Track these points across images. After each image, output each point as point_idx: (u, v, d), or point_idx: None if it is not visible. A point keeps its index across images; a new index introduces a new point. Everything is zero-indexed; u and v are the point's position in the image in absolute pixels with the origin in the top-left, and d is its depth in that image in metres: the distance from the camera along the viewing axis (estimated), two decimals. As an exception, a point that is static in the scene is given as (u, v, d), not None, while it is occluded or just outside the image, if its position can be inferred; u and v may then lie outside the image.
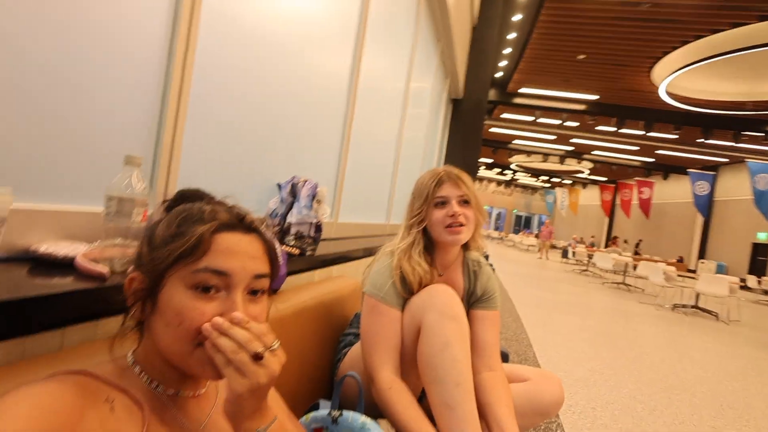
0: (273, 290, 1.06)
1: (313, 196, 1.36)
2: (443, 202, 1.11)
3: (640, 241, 18.00)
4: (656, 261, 11.32)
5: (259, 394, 0.44)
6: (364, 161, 2.38)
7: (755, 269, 14.28)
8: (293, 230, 1.32)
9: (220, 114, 1.09)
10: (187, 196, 0.54)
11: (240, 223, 0.51)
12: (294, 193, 1.37)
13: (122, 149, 0.72)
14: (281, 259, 1.08)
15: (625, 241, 17.85)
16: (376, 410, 0.94)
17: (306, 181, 1.38)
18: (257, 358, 0.43)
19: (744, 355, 4.30)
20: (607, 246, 17.61)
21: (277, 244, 1.09)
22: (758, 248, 14.58)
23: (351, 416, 0.75)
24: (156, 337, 0.48)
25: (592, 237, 22.39)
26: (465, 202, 1.12)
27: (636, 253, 16.19)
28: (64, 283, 0.58)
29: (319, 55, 1.64)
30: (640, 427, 2.22)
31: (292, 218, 1.33)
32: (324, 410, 0.77)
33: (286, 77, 1.42)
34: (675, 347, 4.20)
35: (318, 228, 1.37)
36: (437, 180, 1.12)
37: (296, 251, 1.30)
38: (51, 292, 0.54)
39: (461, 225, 1.10)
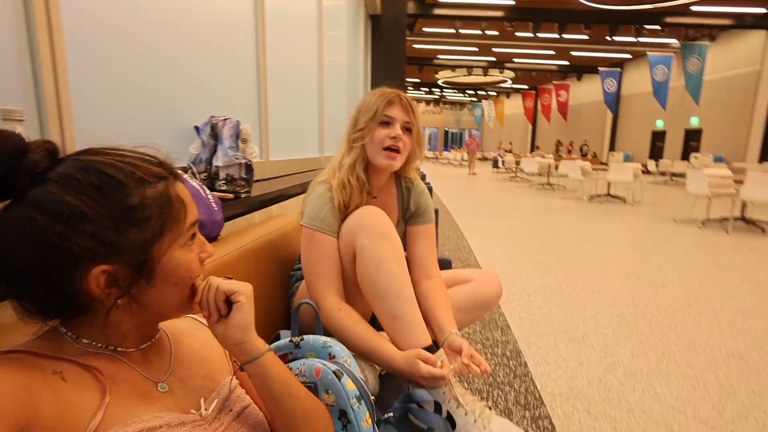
0: (212, 237, 1.04)
1: (237, 135, 1.28)
2: (388, 123, 1.10)
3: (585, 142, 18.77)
4: (574, 158, 12.34)
5: (252, 303, 0.53)
6: (286, 93, 2.24)
7: (654, 154, 16.17)
8: (222, 174, 1.26)
9: (110, 56, 0.95)
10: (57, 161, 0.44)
11: (171, 171, 0.49)
12: (215, 134, 1.27)
13: (-6, 104, 0.61)
14: (215, 206, 1.04)
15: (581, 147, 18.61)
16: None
17: (226, 120, 1.29)
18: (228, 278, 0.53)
19: (644, 229, 5.02)
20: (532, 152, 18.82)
21: (207, 191, 1.04)
22: (656, 135, 16.37)
23: (312, 338, 0.79)
24: (155, 304, 0.47)
25: (510, 144, 23.65)
26: (408, 130, 1.12)
27: (584, 154, 17.29)
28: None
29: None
30: (565, 302, 2.59)
31: (218, 162, 1.25)
32: (285, 339, 0.81)
33: (183, 7, 1.24)
34: (590, 232, 4.79)
35: (248, 168, 1.31)
36: (389, 99, 1.10)
37: (229, 195, 1.25)
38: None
39: (398, 151, 1.10)
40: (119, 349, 0.48)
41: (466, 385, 0.97)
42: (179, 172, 0.50)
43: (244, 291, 0.52)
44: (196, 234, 0.51)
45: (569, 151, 18.43)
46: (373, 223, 0.99)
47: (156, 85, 1.15)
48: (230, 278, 0.54)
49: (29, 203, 0.40)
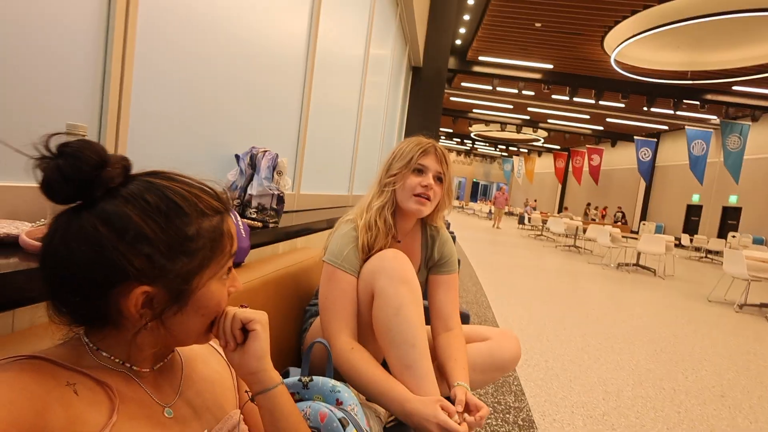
0: (236, 264, 1.05)
1: (274, 167, 1.33)
2: (421, 171, 1.13)
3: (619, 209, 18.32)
4: (604, 224, 12.09)
5: (267, 332, 0.53)
6: (324, 131, 2.33)
7: (688, 228, 15.63)
8: (254, 203, 1.30)
9: (171, 79, 1.02)
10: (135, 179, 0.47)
11: (226, 206, 0.51)
12: (253, 164, 1.33)
13: (64, 118, 0.66)
14: (243, 233, 1.06)
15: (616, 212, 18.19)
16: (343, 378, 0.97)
17: (266, 152, 1.34)
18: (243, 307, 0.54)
19: (676, 305, 4.76)
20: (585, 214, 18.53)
21: (238, 218, 1.07)
22: (691, 209, 15.91)
23: (321, 380, 0.77)
24: (178, 330, 0.48)
25: (534, 201, 23.46)
26: (440, 179, 1.15)
27: (616, 221, 16.91)
28: (9, 263, 0.55)
29: (275, 18, 1.56)
30: (586, 374, 2.44)
31: (252, 190, 1.30)
32: (294, 377, 0.79)
33: (241, 41, 1.35)
34: (617, 302, 4.58)
35: (280, 200, 1.34)
36: (424, 149, 1.14)
37: (258, 224, 1.28)
38: (-3, 273, 0.50)
39: (428, 198, 1.12)
40: (134, 367, 0.48)
41: (474, 451, 0.91)
42: (232, 207, 0.52)
43: (259, 320, 0.52)
44: (231, 268, 0.52)
45: (603, 216, 18.00)
46: (395, 267, 0.99)
47: (208, 111, 1.22)
48: (245, 306, 0.54)
49: (98, 214, 0.42)
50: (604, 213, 18.27)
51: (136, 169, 0.47)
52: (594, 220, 15.67)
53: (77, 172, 0.41)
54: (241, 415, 0.57)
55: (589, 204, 19.60)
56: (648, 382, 2.43)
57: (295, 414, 0.53)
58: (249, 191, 1.30)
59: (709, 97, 11.11)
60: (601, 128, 18.09)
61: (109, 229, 0.41)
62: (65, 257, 0.41)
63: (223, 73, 1.28)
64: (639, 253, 7.39)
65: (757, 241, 11.82)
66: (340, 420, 0.68)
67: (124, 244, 0.41)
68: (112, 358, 0.46)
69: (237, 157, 1.36)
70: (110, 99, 0.82)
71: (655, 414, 2.05)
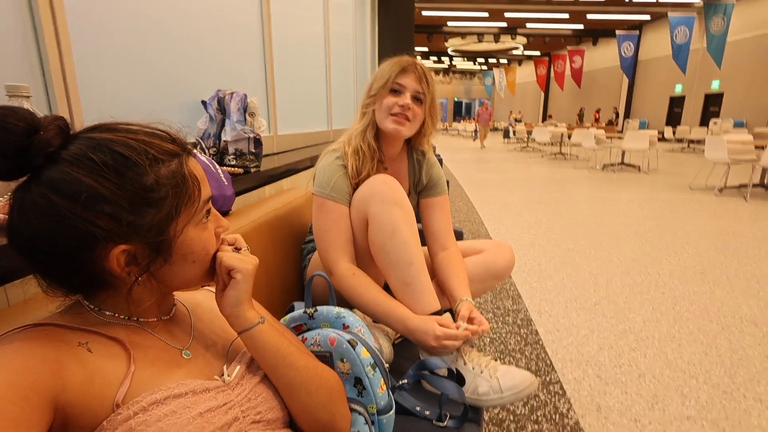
0: (223, 212, 1.04)
1: (245, 109, 1.27)
2: (398, 91, 1.09)
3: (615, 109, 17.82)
4: (598, 127, 12.02)
5: (251, 280, 0.53)
6: (292, 66, 2.20)
7: (671, 121, 15.66)
8: (231, 149, 1.26)
9: (114, 30, 0.93)
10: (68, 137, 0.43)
11: (183, 147, 0.48)
12: (222, 108, 1.26)
13: (2, 81, 0.61)
14: (225, 181, 1.04)
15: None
16: (347, 304, 1.02)
17: (233, 94, 1.27)
18: (237, 250, 0.54)
19: (659, 197, 4.93)
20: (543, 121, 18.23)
21: (217, 166, 1.04)
22: (674, 101, 15.80)
23: (326, 309, 0.81)
24: (174, 279, 0.49)
25: (519, 113, 23.08)
26: (418, 99, 1.10)
27: (609, 122, 16.40)
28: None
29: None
30: (577, 272, 2.59)
31: (226, 136, 1.25)
32: (299, 310, 0.82)
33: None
34: (604, 202, 4.72)
35: (257, 143, 1.30)
36: (402, 68, 1.08)
37: (239, 170, 1.25)
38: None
39: (406, 119, 1.09)
40: (141, 319, 0.49)
41: (477, 350, 0.99)
42: (191, 148, 0.50)
43: (242, 269, 0.52)
44: (210, 210, 0.51)
45: (596, 120, 17.58)
46: (386, 191, 0.99)
47: (162, 59, 1.14)
48: (239, 249, 0.55)
49: (45, 184, 0.40)
50: (596, 116, 17.83)
51: None
52: (591, 125, 15.48)
53: (4, 143, 0.38)
54: None
55: (582, 109, 19.18)
56: (635, 270, 2.60)
57: (281, 347, 0.55)
58: (223, 137, 1.25)
59: (692, -24, 10.49)
60: (582, 27, 17.24)
61: (61, 197, 0.40)
62: (31, 234, 0.40)
63: (173, 17, 1.17)
64: (623, 152, 7.47)
65: (738, 125, 11.93)
66: (349, 341, 0.72)
67: (81, 208, 0.40)
68: (116, 315, 0.47)
69: (204, 103, 1.29)
70: (49, 54, 0.75)
71: (642, 297, 2.21)
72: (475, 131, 14.95)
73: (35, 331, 0.41)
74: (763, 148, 4.75)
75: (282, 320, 0.84)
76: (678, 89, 15.44)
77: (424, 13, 14.45)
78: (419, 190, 1.24)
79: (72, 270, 0.43)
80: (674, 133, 12.53)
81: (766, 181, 5.15)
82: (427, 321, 0.92)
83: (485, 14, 14.91)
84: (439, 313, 0.95)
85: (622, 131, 12.82)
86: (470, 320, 0.96)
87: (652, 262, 2.76)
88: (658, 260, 2.79)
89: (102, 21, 0.90)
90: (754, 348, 1.73)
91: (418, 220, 1.20)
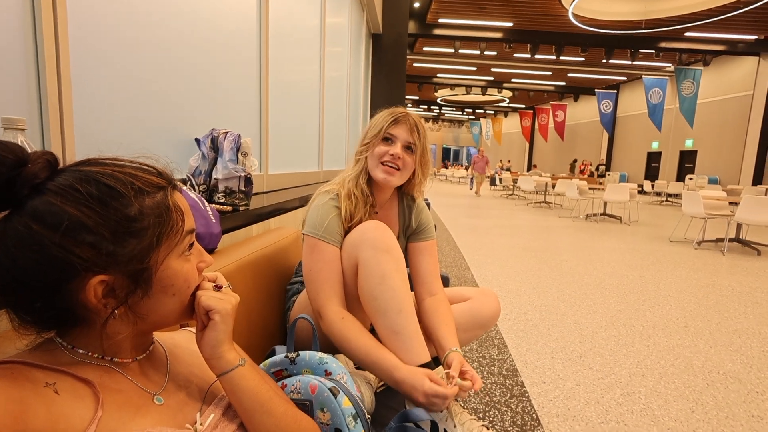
0: (209, 249, 1.03)
1: (238, 148, 1.29)
2: (390, 140, 1.12)
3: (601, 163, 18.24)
4: (571, 178, 12.44)
5: (230, 320, 0.53)
6: (287, 107, 2.26)
7: (650, 175, 16.34)
8: (221, 187, 1.26)
9: (114, 67, 0.96)
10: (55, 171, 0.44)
11: (169, 180, 0.49)
12: (215, 147, 1.28)
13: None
14: (213, 218, 1.04)
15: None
16: (330, 349, 0.99)
17: (227, 133, 1.29)
18: (218, 288, 0.54)
19: (641, 248, 5.03)
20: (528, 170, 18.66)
21: (206, 204, 1.04)
22: (652, 156, 16.57)
23: (308, 354, 0.78)
24: (153, 314, 0.47)
25: (509, 162, 23.84)
26: (410, 149, 1.13)
27: (600, 175, 16.69)
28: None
29: (219, -11, 1.47)
30: (563, 322, 2.58)
31: (217, 174, 1.26)
32: (281, 354, 0.80)
33: (187, 21, 1.27)
34: (588, 252, 4.79)
35: (248, 181, 1.31)
36: (395, 118, 1.12)
37: (228, 208, 1.25)
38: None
39: (397, 168, 1.12)
40: (115, 359, 0.47)
41: (462, 404, 0.95)
42: (177, 182, 0.50)
43: (220, 309, 0.51)
44: (193, 243, 0.51)
45: (582, 171, 18.03)
46: (377, 237, 1.00)
47: (158, 97, 1.16)
48: (219, 287, 0.54)
49: (28, 214, 0.40)
50: (582, 167, 18.14)
51: None
52: (582, 173, 15.73)
53: None
54: None
55: (575, 160, 19.70)
56: (619, 322, 2.59)
57: (260, 392, 0.53)
58: (214, 175, 1.26)
59: (663, 44, 11.38)
60: (563, 84, 18.32)
61: (42, 226, 0.39)
62: (9, 265, 0.40)
63: (173, 56, 1.21)
64: (605, 203, 7.70)
65: (712, 181, 12.49)
66: (330, 389, 0.69)
67: (62, 237, 0.40)
68: (90, 353, 0.45)
69: (197, 140, 1.30)
70: (48, 89, 0.76)
71: (626, 350, 2.20)
72: (471, 179, 13.84)
73: (2, 368, 0.39)
74: (736, 204, 4.95)
75: (262, 365, 0.81)
76: (655, 145, 16.25)
77: (416, 64, 15.23)
78: (408, 234, 1.25)
79: (47, 303, 0.42)
80: (653, 186, 13.03)
81: (741, 235, 5.32)
82: (416, 374, 0.88)
83: (473, 68, 15.77)
84: (428, 365, 0.93)
85: (601, 183, 13.26)
86: (461, 374, 0.93)
87: (635, 313, 2.77)
88: (642, 312, 2.80)
89: (103, 56, 0.93)
90: (740, 405, 1.71)
91: (407, 265, 1.20)
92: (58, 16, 0.77)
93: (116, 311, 0.44)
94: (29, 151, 0.42)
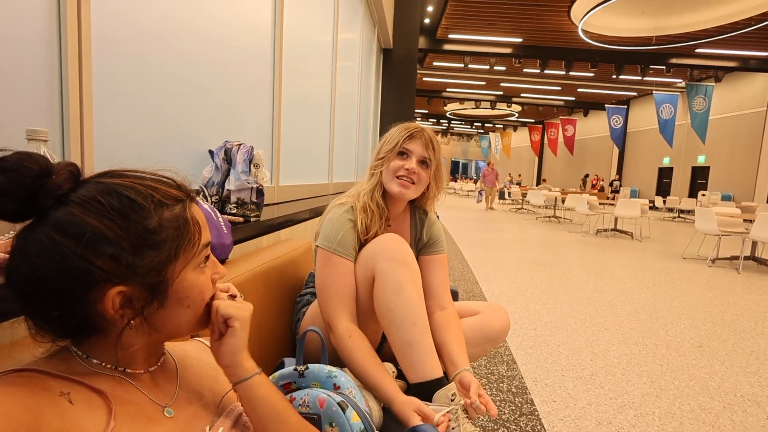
0: (221, 260, 1.04)
1: (250, 160, 1.30)
2: (405, 154, 1.14)
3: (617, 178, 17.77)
4: (581, 193, 12.36)
5: (248, 327, 0.54)
6: (299, 120, 2.29)
7: (661, 191, 16.15)
8: (233, 198, 1.27)
9: (135, 77, 0.99)
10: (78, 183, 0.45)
11: (187, 193, 0.50)
12: (229, 158, 1.30)
13: (23, 125, 0.63)
14: (225, 229, 1.05)
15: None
16: (339, 362, 0.98)
17: (240, 145, 1.32)
18: (232, 298, 0.55)
19: (653, 265, 4.95)
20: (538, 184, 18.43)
21: (218, 214, 1.05)
22: (663, 172, 16.40)
23: (317, 368, 0.78)
24: (167, 325, 0.48)
25: (519, 176, 23.78)
26: (425, 163, 1.15)
27: (614, 191, 16.34)
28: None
29: (239, 10, 1.51)
30: (573, 338, 2.53)
31: (230, 185, 1.27)
32: (290, 367, 0.79)
33: (205, 35, 1.30)
34: (598, 267, 4.73)
35: (259, 193, 1.33)
36: (410, 133, 1.14)
37: (239, 219, 1.26)
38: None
39: (412, 182, 1.13)
40: (128, 370, 0.47)
41: (473, 423, 0.94)
42: (195, 194, 0.51)
43: (239, 317, 0.52)
44: (209, 256, 0.51)
45: (593, 185, 17.58)
46: (395, 249, 1.00)
47: (174, 110, 1.19)
48: (234, 296, 0.55)
49: (51, 224, 0.41)
50: (593, 182, 17.53)
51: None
52: (594, 188, 15.41)
53: (18, 186, 0.39)
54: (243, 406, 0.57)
55: (587, 175, 19.51)
56: (631, 340, 2.54)
57: (275, 401, 0.54)
58: (227, 186, 1.28)
59: (674, 61, 11.35)
60: (573, 99, 18.32)
61: (64, 236, 0.40)
62: (30, 274, 0.40)
63: (190, 69, 1.24)
64: (616, 218, 7.61)
65: (726, 198, 12.31)
66: (339, 404, 0.69)
67: (83, 248, 0.40)
68: (104, 364, 0.46)
69: (211, 152, 1.33)
70: (70, 101, 0.78)
71: (639, 369, 2.15)
72: (480, 192, 13.64)
73: (18, 376, 0.40)
74: (751, 221, 4.86)
75: (270, 377, 0.81)
76: (666, 161, 16.09)
77: (425, 78, 15.37)
78: (419, 247, 1.25)
79: (66, 312, 0.42)
80: (664, 202, 12.86)
81: (756, 253, 5.21)
82: (406, 411, 0.85)
83: (482, 83, 15.86)
84: (440, 381, 0.92)
85: (614, 198, 13.13)
86: (480, 398, 0.91)
87: (648, 331, 2.71)
88: (655, 330, 2.74)
89: (122, 70, 0.95)
90: (758, 430, 1.65)
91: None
92: (82, 32, 0.80)
93: (132, 322, 0.44)
94: (53, 162, 0.43)
